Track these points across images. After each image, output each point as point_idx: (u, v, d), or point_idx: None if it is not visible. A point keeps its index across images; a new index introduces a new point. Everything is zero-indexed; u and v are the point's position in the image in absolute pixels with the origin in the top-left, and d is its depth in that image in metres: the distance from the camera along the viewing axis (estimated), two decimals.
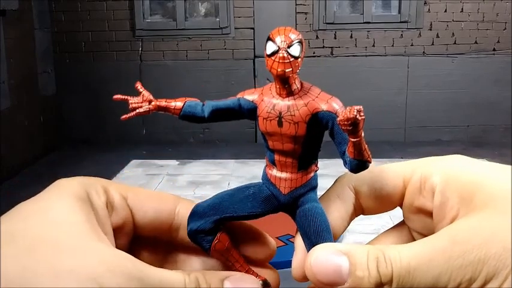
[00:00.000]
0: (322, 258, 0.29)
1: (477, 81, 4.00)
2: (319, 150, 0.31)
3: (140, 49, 3.97)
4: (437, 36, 3.98)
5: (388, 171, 0.32)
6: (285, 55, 0.28)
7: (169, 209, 0.33)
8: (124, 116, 0.33)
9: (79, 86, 4.04)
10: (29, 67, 3.61)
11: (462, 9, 3.94)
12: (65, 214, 0.27)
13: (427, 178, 0.31)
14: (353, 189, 0.32)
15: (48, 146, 3.78)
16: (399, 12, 3.96)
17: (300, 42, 0.28)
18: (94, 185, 0.31)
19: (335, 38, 3.98)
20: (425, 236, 0.29)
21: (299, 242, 0.32)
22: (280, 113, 0.30)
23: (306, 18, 3.93)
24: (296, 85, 0.30)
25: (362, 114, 0.26)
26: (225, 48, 4.00)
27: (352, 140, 0.27)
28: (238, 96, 0.31)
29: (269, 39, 0.28)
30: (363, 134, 0.27)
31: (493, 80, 4.00)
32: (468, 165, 0.30)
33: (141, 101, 0.33)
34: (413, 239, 0.33)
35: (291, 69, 0.28)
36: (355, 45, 4.00)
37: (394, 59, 4.00)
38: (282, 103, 0.30)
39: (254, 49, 3.97)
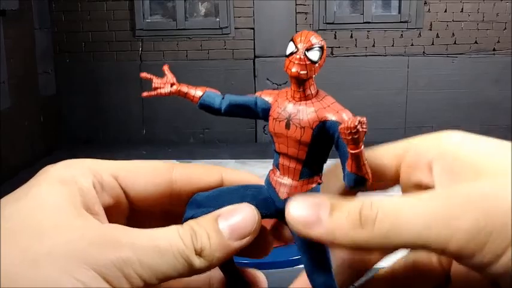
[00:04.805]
0: (302, 200, 0.27)
1: (477, 81, 4.00)
2: (324, 162, 0.30)
3: (140, 49, 3.97)
4: (437, 36, 3.98)
5: (378, 152, 0.31)
6: (302, 57, 0.28)
7: (165, 178, 0.32)
8: (145, 94, 0.34)
9: (79, 86, 4.04)
10: (29, 67, 3.61)
11: (462, 9, 3.94)
12: (44, 198, 0.27)
13: (422, 154, 0.29)
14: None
15: (48, 146, 3.78)
16: (399, 12, 3.96)
17: (321, 48, 0.28)
18: (79, 166, 0.30)
19: (335, 38, 3.98)
20: None
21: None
22: (289, 115, 0.29)
23: (306, 18, 3.93)
24: (311, 91, 0.29)
25: (364, 126, 0.25)
26: (225, 48, 4.00)
27: (351, 151, 0.26)
28: (257, 94, 0.31)
29: (291, 40, 0.29)
30: (363, 147, 0.26)
31: (493, 80, 4.00)
32: (466, 140, 0.28)
33: (165, 82, 0.33)
34: None
35: (305, 72, 0.28)
36: (355, 45, 4.00)
37: (394, 59, 4.00)
38: (293, 106, 0.29)
39: (254, 49, 3.97)
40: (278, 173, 0.31)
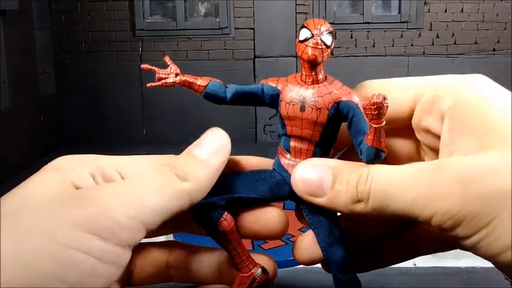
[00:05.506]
0: (308, 168, 0.29)
1: None
2: (334, 143, 0.32)
3: (140, 49, 3.97)
4: (437, 36, 3.98)
5: (396, 84, 0.31)
6: (319, 41, 0.30)
7: None
8: (149, 84, 0.35)
9: (79, 86, 4.04)
10: (29, 67, 3.61)
11: (462, 9, 3.94)
12: (34, 184, 0.27)
13: (438, 100, 0.29)
14: None
15: (48, 146, 3.78)
16: (399, 12, 3.96)
17: (332, 33, 0.30)
18: (79, 159, 0.30)
19: (335, 38, 3.98)
20: (434, 151, 0.28)
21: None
22: (304, 98, 0.31)
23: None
24: (322, 75, 0.31)
25: (386, 101, 0.27)
26: (225, 48, 4.00)
27: (375, 126, 0.28)
28: (262, 82, 0.32)
29: (303, 27, 0.30)
30: (384, 123, 0.28)
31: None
32: (487, 95, 0.28)
33: (169, 72, 0.34)
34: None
35: (321, 55, 0.30)
36: (355, 45, 4.00)
37: (394, 59, 4.00)
38: (307, 89, 0.31)
39: (254, 49, 3.97)
40: (289, 155, 0.32)
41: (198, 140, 0.31)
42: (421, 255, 0.34)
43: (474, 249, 0.25)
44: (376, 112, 0.27)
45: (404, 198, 0.25)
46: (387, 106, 0.27)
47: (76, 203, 0.25)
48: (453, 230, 0.25)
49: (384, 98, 0.27)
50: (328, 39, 0.30)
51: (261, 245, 1.66)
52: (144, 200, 0.26)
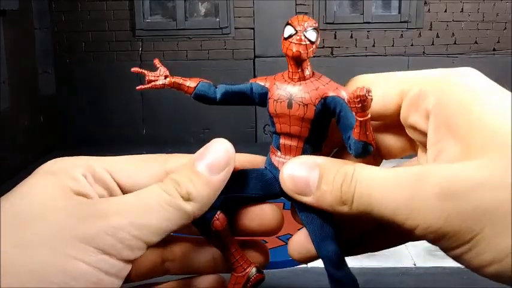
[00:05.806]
0: (296, 166, 0.29)
1: None
2: (323, 140, 0.32)
3: (140, 49, 3.97)
4: (437, 36, 3.98)
5: (384, 79, 0.31)
6: (302, 37, 0.30)
7: (159, 170, 0.32)
8: (139, 87, 0.34)
9: (79, 86, 4.04)
10: (29, 67, 3.61)
11: (462, 9, 3.94)
12: (32, 188, 0.27)
13: (423, 97, 0.29)
14: None
15: (48, 146, 3.78)
16: (399, 12, 3.96)
17: (316, 29, 0.30)
18: (70, 160, 0.30)
19: (335, 38, 3.98)
20: (426, 146, 0.28)
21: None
22: (291, 95, 0.31)
23: None
24: (308, 71, 0.31)
25: (370, 94, 0.27)
26: (225, 48, 4.00)
27: (360, 119, 0.27)
28: (251, 81, 0.32)
29: (287, 24, 0.30)
30: (369, 115, 0.27)
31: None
32: (472, 89, 0.27)
33: (158, 75, 0.34)
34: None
35: (306, 51, 0.30)
36: (355, 45, 4.00)
37: (394, 59, 4.00)
38: (294, 86, 0.31)
39: (254, 49, 3.97)
40: (279, 153, 0.32)
41: (201, 151, 0.30)
42: (412, 241, 0.34)
43: (458, 261, 0.25)
44: (360, 105, 0.27)
45: (387, 207, 0.25)
46: (371, 99, 0.27)
47: (83, 216, 0.25)
48: (435, 242, 0.25)
49: (368, 91, 0.26)
50: (312, 35, 0.30)
51: None
52: (149, 220, 0.27)
